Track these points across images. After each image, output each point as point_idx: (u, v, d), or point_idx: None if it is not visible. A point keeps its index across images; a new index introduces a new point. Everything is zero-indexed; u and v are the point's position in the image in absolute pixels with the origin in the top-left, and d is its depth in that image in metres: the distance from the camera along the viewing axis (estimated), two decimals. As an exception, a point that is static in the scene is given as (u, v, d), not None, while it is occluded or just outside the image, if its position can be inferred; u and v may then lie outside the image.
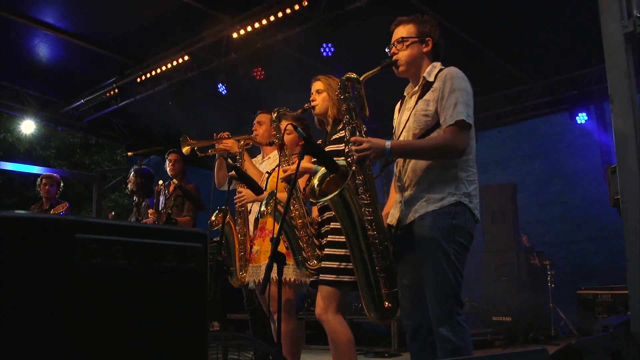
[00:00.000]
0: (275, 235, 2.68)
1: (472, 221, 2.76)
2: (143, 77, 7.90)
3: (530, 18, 6.63)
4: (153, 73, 7.76)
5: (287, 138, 4.02)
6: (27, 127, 9.29)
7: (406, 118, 2.89)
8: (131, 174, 6.14)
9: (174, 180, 4.99)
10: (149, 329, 1.11)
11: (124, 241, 1.08)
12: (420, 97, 2.85)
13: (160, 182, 5.13)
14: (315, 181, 2.84)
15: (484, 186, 7.30)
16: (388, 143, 2.69)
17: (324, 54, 6.56)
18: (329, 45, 6.55)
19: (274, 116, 3.62)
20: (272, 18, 6.39)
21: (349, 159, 2.84)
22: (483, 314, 7.62)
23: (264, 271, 3.75)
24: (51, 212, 6.68)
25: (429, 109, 2.77)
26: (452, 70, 2.80)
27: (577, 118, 8.07)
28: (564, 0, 6.19)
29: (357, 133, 2.85)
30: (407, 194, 2.82)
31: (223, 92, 7.65)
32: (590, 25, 5.92)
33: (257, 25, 6.54)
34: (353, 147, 2.73)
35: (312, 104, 3.56)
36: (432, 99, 2.78)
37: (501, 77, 8.04)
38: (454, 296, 2.66)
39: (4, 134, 13.75)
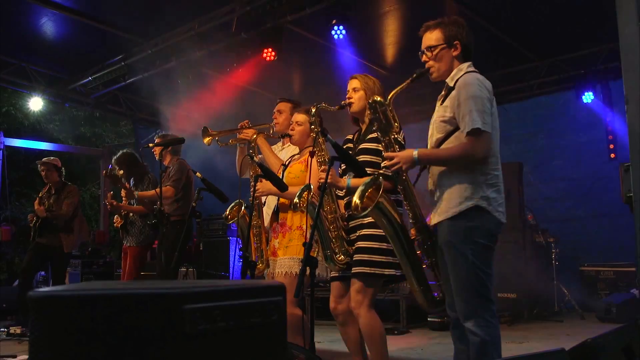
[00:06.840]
0: (306, 238, 2.81)
1: (494, 221, 2.85)
2: (151, 55, 7.91)
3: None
4: (161, 51, 7.78)
5: (298, 129, 4.06)
6: (35, 104, 9.24)
7: (432, 123, 3.01)
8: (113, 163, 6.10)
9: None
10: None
11: (222, 305, 1.19)
12: (442, 103, 2.96)
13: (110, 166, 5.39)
14: (357, 199, 2.96)
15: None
16: (416, 153, 2.84)
17: (335, 36, 6.57)
18: (340, 27, 6.56)
19: (313, 111, 3.61)
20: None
21: (387, 172, 3.05)
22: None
23: (281, 265, 3.89)
24: (59, 196, 6.75)
25: (446, 115, 2.90)
26: (467, 77, 2.87)
27: (583, 97, 8.08)
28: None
29: (389, 149, 3.01)
30: (433, 198, 2.96)
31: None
32: (599, 3, 5.96)
33: (267, 6, 6.55)
34: (387, 163, 2.90)
35: (349, 101, 3.59)
36: (449, 105, 2.89)
37: (507, 55, 8.06)
38: (477, 293, 2.79)
39: (7, 108, 13.75)
